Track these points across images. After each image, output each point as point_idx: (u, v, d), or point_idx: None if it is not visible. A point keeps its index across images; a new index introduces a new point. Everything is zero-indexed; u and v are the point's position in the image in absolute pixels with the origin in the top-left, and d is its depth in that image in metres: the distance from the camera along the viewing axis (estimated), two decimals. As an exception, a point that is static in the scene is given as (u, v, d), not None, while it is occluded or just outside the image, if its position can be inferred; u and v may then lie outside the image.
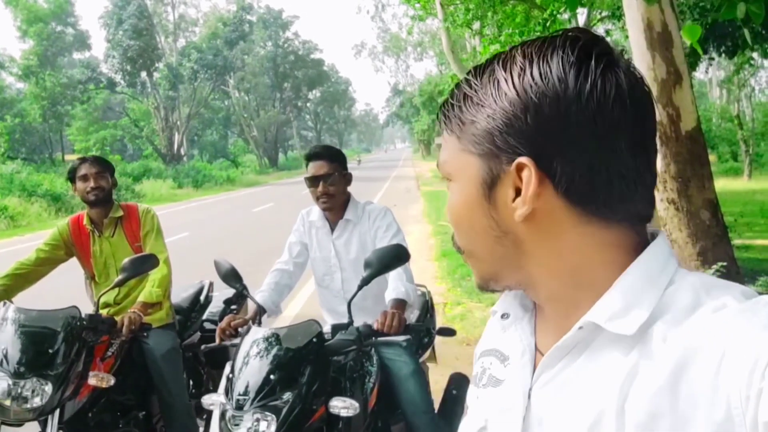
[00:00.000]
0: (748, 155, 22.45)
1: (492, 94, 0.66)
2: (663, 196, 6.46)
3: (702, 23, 3.37)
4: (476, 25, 18.41)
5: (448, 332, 2.59)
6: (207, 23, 51.36)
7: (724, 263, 5.90)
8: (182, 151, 44.63)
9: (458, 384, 3.01)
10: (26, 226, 18.60)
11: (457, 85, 0.71)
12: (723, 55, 8.86)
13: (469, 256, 0.75)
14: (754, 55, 12.07)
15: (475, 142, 0.68)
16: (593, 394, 0.63)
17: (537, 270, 0.69)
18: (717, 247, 6.44)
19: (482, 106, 0.67)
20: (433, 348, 3.23)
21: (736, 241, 7.81)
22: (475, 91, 0.68)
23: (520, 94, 0.64)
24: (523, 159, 0.64)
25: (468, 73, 0.71)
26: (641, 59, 6.49)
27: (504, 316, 0.80)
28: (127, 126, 45.19)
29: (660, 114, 5.76)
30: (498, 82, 0.66)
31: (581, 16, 17.69)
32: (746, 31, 3.60)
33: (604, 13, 16.70)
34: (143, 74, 41.70)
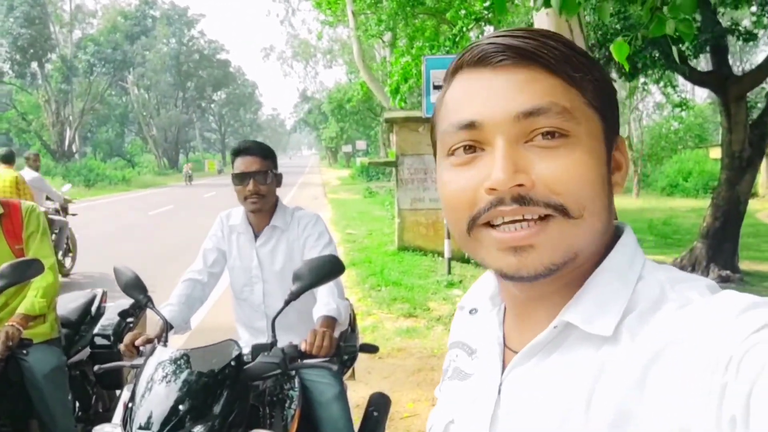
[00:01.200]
0: (636, 175, 23.84)
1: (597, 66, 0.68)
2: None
3: (629, 41, 3.38)
4: (387, 36, 18.54)
5: (371, 349, 2.40)
6: (106, 15, 48.97)
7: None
8: (74, 148, 42.06)
9: (378, 405, 2.83)
10: None
11: (555, 35, 0.66)
12: (624, 77, 9.26)
13: (588, 217, 0.63)
14: (646, 80, 12.72)
15: (598, 99, 0.66)
16: (563, 391, 0.62)
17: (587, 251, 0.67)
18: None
19: (598, 70, 0.67)
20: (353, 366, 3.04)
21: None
22: (583, 55, 0.67)
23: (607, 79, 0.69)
24: (621, 136, 0.70)
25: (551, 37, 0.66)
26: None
27: (472, 311, 0.81)
28: (14, 119, 42.01)
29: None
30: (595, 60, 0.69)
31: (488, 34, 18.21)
32: (674, 49, 3.67)
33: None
34: (34, 65, 39.05)
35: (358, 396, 4.03)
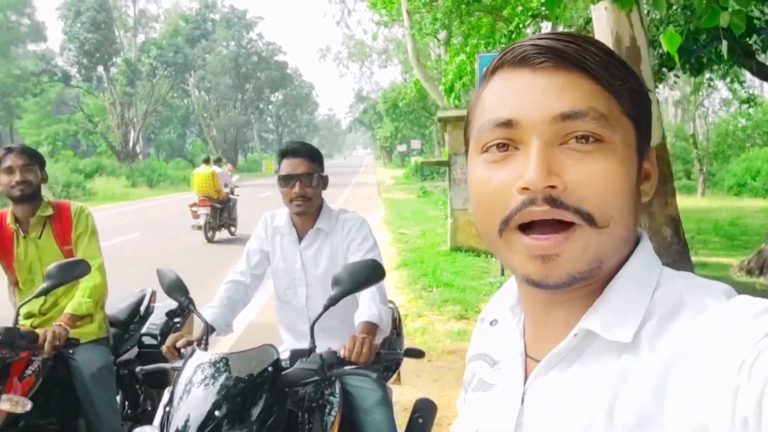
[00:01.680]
0: (701, 174, 23.00)
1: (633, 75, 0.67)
2: (627, 211, 6.38)
3: (681, 32, 3.22)
4: (442, 35, 18.40)
5: (417, 354, 2.33)
6: (168, 20, 50.38)
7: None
8: (138, 149, 43.52)
9: (424, 411, 2.76)
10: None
11: (597, 42, 0.67)
12: (688, 72, 8.91)
13: (612, 226, 0.64)
14: (711, 76, 12.24)
15: (634, 108, 0.67)
16: (586, 400, 0.63)
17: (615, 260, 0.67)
18: (678, 265, 6.41)
19: (635, 79, 0.67)
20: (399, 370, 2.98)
21: (693, 259, 7.83)
22: (622, 63, 0.67)
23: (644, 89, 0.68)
24: (652, 147, 0.70)
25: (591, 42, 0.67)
26: (610, 73, 6.36)
27: (493, 322, 0.82)
28: (81, 121, 43.86)
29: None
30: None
31: (545, 30, 17.87)
32: (724, 43, 3.47)
33: (569, 29, 16.88)
34: (100, 68, 40.63)
35: (405, 399, 3.97)
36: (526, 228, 0.64)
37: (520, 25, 10.60)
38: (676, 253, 7.15)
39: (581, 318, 0.66)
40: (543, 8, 10.29)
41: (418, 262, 9.24)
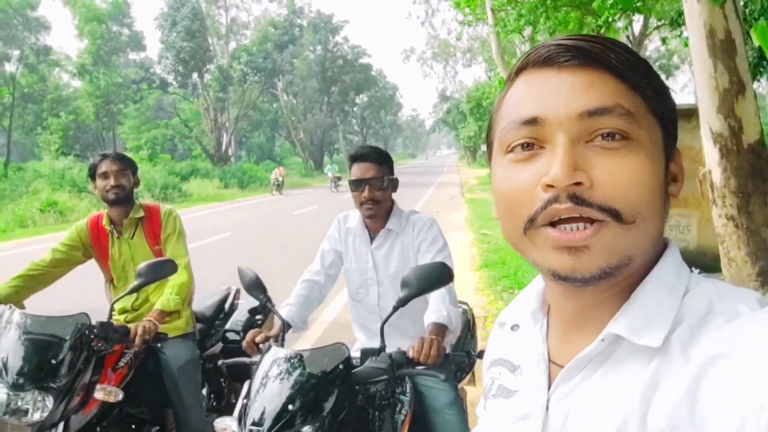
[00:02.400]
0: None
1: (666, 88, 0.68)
2: (721, 211, 6.08)
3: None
4: (527, 31, 18.07)
5: None
6: (258, 27, 51.95)
7: (787, 286, 5.46)
8: (230, 152, 45.13)
9: (496, 413, 2.74)
10: (74, 221, 18.94)
11: (620, 43, 0.66)
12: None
13: (640, 222, 0.62)
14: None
15: (660, 107, 0.66)
16: (615, 406, 0.61)
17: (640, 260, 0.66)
18: (779, 269, 6.05)
19: (659, 79, 0.67)
20: (473, 371, 2.98)
21: (800, 263, 7.32)
22: (647, 65, 0.67)
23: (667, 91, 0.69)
24: (678, 149, 0.69)
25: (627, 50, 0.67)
26: (702, 67, 6.09)
27: (514, 327, 0.81)
28: (178, 126, 45.98)
29: (721, 125, 5.41)
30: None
31: (637, 24, 17.19)
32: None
33: (660, 22, 16.20)
34: (195, 75, 42.34)
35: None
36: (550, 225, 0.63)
37: (610, 19, 10.23)
38: (778, 256, 6.76)
39: (608, 322, 0.64)
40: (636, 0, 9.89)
41: (500, 263, 9.12)
